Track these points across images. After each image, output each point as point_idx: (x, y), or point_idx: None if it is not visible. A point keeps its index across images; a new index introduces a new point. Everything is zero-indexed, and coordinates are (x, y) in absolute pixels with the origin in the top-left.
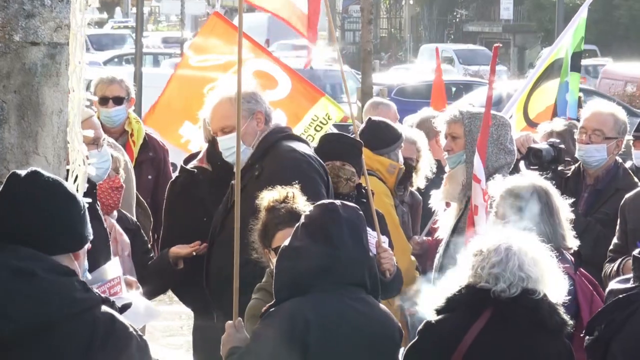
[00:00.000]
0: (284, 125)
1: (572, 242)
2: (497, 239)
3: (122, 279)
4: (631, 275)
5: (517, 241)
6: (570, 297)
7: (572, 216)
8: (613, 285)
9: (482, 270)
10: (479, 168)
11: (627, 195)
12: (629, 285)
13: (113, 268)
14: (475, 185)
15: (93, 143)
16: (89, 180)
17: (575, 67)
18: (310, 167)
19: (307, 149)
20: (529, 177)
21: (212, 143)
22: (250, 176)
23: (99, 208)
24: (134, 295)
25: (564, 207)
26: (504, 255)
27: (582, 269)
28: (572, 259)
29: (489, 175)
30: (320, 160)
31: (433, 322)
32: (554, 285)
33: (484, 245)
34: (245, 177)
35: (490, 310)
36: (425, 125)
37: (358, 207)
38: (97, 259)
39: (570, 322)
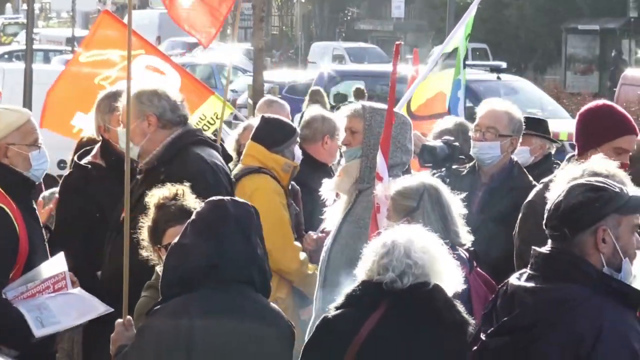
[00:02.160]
0: (196, 129)
1: (466, 238)
2: (385, 234)
3: (67, 275)
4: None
5: (404, 232)
6: (463, 297)
7: (465, 211)
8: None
9: (373, 264)
10: (382, 166)
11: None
12: (524, 283)
13: (56, 264)
14: (377, 184)
15: (33, 144)
16: (28, 180)
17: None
18: (215, 177)
19: (215, 157)
20: (418, 176)
21: (105, 139)
22: (154, 177)
23: (36, 208)
24: (80, 291)
25: (455, 203)
26: (390, 246)
27: (478, 269)
28: (468, 256)
29: None
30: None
31: (330, 317)
32: (447, 274)
33: (376, 242)
34: (149, 177)
35: (386, 303)
36: None
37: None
38: (35, 259)
39: (472, 321)
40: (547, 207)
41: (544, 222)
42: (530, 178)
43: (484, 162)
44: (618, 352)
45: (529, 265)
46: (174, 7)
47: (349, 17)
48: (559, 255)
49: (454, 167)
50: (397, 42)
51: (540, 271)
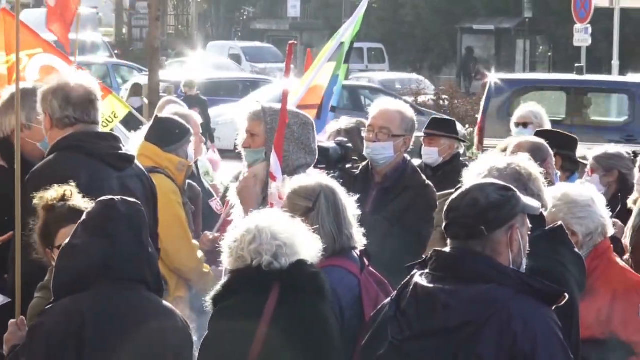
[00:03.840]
0: (80, 134)
1: (359, 240)
2: (244, 221)
3: None
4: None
5: (263, 217)
6: (354, 297)
7: (359, 212)
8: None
9: (242, 252)
10: (276, 166)
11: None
12: (438, 284)
13: None
14: (271, 184)
15: None
16: None
17: (346, 59)
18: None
19: (64, 167)
20: (315, 177)
21: (6, 140)
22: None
23: None
24: None
25: (350, 205)
26: (256, 231)
27: (370, 268)
28: (359, 256)
29: (290, 174)
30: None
31: (224, 308)
32: (308, 247)
33: (236, 232)
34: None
35: (277, 284)
36: None
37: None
38: None
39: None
40: (453, 205)
41: (446, 220)
42: (424, 177)
43: (378, 162)
44: (553, 349)
45: (430, 266)
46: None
47: (245, 17)
48: (469, 256)
49: (347, 167)
50: (291, 42)
51: (449, 272)
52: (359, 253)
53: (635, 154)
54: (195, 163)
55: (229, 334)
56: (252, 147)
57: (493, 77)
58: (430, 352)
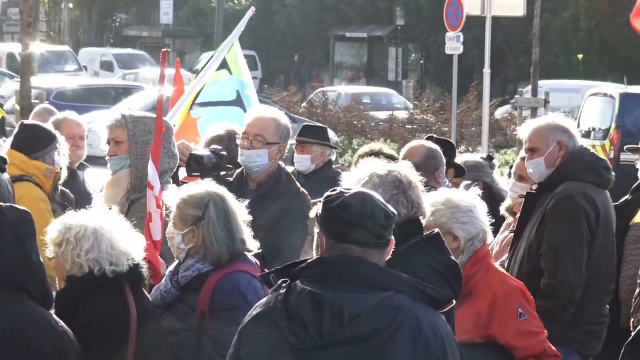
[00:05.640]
0: None
1: (252, 244)
2: (78, 220)
3: None
4: None
5: (97, 219)
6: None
7: (250, 218)
8: None
9: (79, 259)
10: (153, 175)
11: None
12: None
13: None
14: (148, 192)
15: None
16: None
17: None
18: None
19: None
20: (204, 185)
21: None
22: None
23: None
24: None
25: (241, 210)
26: (93, 239)
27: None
28: (257, 261)
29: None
30: None
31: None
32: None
33: (65, 233)
34: None
35: (127, 284)
36: None
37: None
38: None
39: None
40: (362, 210)
41: (347, 226)
42: (298, 185)
43: (252, 170)
44: (456, 353)
45: (314, 273)
46: None
47: (117, 23)
48: (365, 263)
49: (221, 174)
50: (164, 50)
51: (344, 279)
52: (254, 257)
53: (490, 158)
54: (77, 168)
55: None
56: (119, 154)
57: (625, 89)
58: None
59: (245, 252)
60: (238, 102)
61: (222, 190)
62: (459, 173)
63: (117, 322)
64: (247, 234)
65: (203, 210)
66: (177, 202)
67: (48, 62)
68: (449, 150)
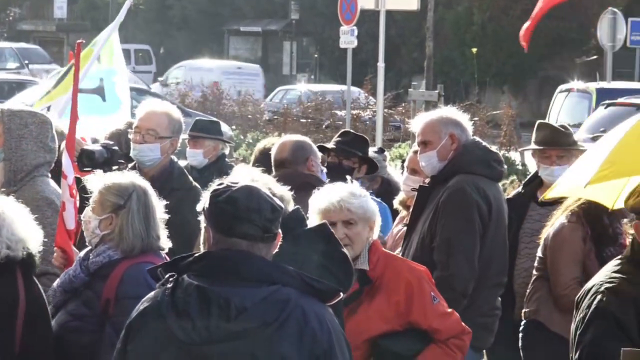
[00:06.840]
0: None
1: (165, 243)
2: None
3: None
4: None
5: (1, 205)
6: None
7: (166, 217)
8: None
9: None
10: (67, 165)
11: None
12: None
13: None
14: (63, 182)
15: None
16: None
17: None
18: None
19: None
20: (129, 176)
21: None
22: None
23: None
24: None
25: (159, 208)
26: None
27: None
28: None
29: (28, 173)
30: None
31: None
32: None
33: None
34: None
35: (19, 271)
36: None
37: None
38: None
39: None
40: (249, 204)
41: (234, 219)
42: (191, 179)
43: (144, 164)
44: (342, 346)
45: (201, 267)
46: None
47: (11, 17)
48: (252, 258)
49: (113, 169)
50: (78, 41)
51: (230, 273)
52: (165, 256)
53: (382, 150)
54: None
55: None
56: None
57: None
58: (229, 355)
59: (158, 249)
60: (98, 90)
61: (146, 185)
62: (371, 170)
63: (4, 304)
64: (162, 231)
65: (125, 200)
66: (100, 188)
67: None
68: (364, 146)
